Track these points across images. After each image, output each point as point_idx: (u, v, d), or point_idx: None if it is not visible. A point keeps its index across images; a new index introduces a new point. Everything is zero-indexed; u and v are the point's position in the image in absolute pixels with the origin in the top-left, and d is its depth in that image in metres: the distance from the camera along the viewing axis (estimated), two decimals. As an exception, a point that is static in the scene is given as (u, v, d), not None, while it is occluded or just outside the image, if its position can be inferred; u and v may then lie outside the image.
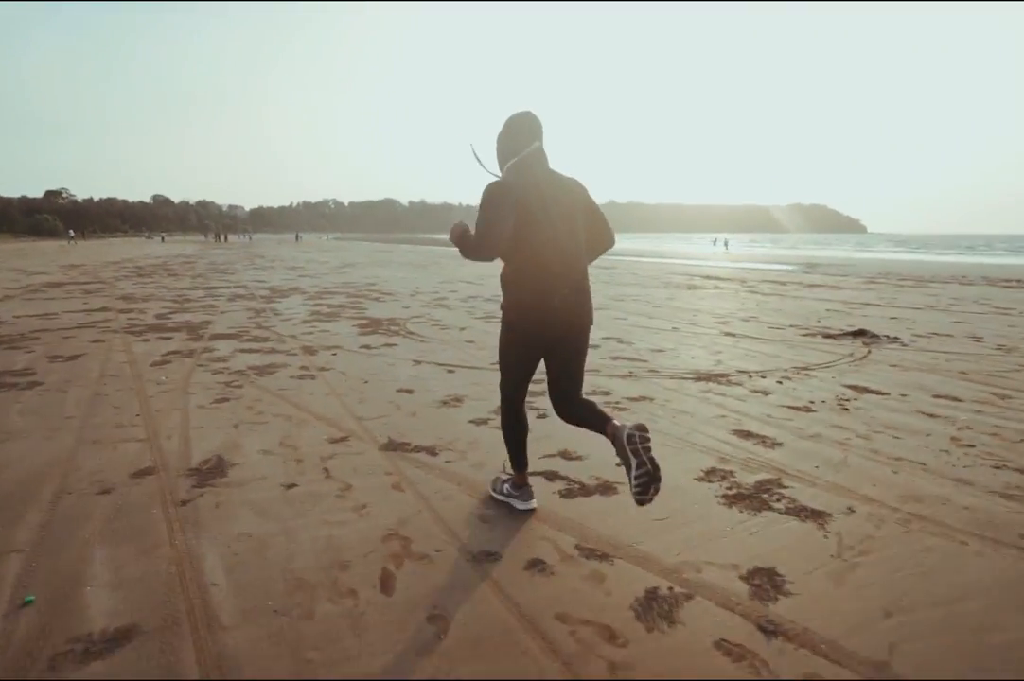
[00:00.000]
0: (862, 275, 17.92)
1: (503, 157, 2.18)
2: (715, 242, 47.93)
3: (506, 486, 2.39)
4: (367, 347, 5.76)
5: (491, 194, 2.03)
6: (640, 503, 1.89)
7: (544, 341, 2.13)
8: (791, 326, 7.33)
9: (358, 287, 12.04)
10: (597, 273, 16.28)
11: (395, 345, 5.88)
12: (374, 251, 35.72)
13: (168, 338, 6.14)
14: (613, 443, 1.96)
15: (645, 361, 5.23)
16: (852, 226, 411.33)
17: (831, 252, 45.19)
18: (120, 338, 6.13)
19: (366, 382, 4.42)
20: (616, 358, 5.33)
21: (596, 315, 2.30)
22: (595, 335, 3.81)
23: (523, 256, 2.06)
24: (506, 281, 2.15)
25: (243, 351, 5.49)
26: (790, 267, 23.81)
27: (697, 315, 8.35)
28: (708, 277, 16.43)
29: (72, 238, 57.76)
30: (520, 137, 2.12)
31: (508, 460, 2.39)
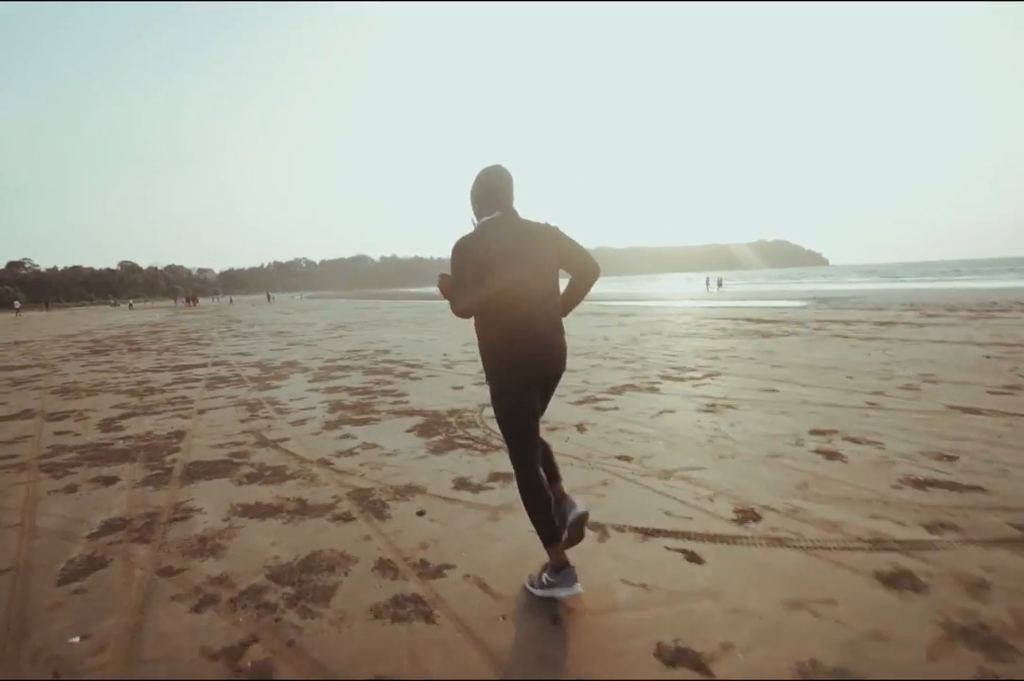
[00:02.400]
0: (898, 307, 16.14)
1: (476, 210, 2.21)
2: (708, 281, 46.71)
3: (544, 576, 2.14)
4: (465, 483, 3.30)
5: (456, 255, 2.08)
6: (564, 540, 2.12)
7: (535, 383, 2.12)
8: (1010, 388, 5.09)
9: (370, 357, 9.57)
10: (621, 328, 14.09)
11: (505, 476, 3.41)
12: (358, 309, 33.33)
13: (110, 480, 3.60)
14: (557, 503, 2.16)
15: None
16: (814, 259, 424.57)
17: (818, 286, 44.20)
18: (23, 487, 3.55)
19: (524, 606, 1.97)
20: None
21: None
22: None
23: (490, 311, 2.08)
24: (483, 340, 2.15)
25: (247, 512, 3.01)
26: (802, 303, 22.34)
27: (853, 381, 6.05)
28: (751, 319, 14.38)
29: (18, 310, 53.85)
30: (490, 192, 2.15)
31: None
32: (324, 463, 3.78)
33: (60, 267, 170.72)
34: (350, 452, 4.02)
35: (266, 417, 5.29)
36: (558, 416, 4.90)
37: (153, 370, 9.05)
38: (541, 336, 2.08)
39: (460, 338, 12.27)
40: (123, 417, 5.54)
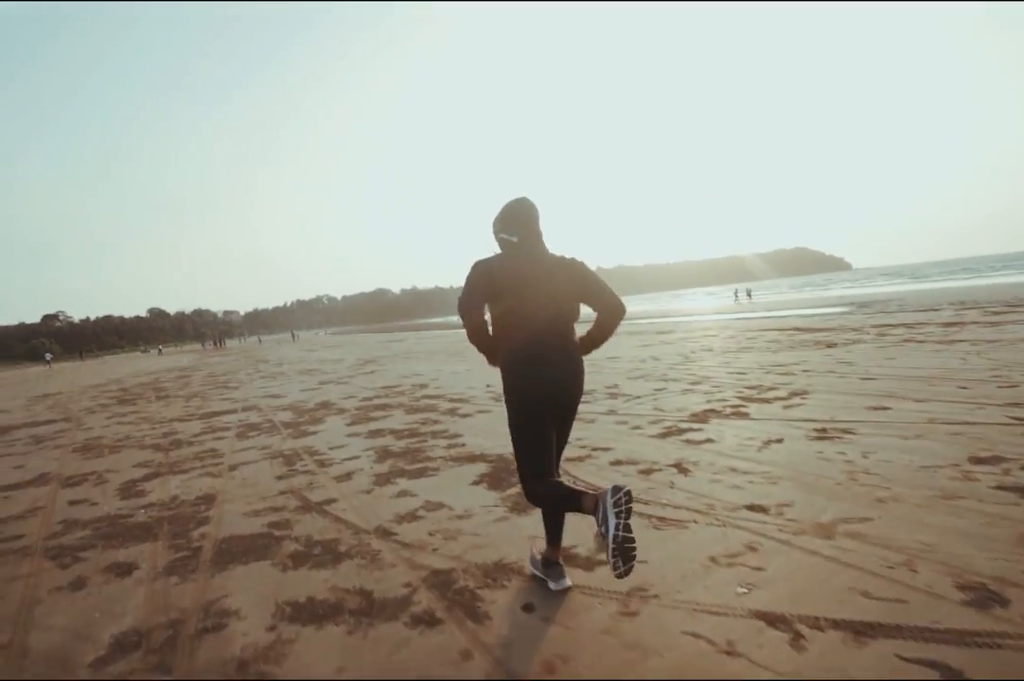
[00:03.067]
0: (949, 307, 15.09)
1: (500, 239, 2.26)
2: (737, 293, 45.63)
3: (540, 565, 2.37)
4: (572, 557, 2.56)
5: (468, 275, 2.17)
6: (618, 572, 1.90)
7: (544, 404, 2.14)
8: None
9: (408, 393, 8.90)
10: (666, 346, 13.29)
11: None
12: (384, 342, 32.95)
13: (126, 569, 2.92)
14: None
15: None
16: (837, 265, 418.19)
17: (849, 291, 42.79)
18: (22, 583, 2.88)
19: None
20: None
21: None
22: None
23: (500, 329, 2.17)
24: (498, 349, 2.21)
25: (298, 615, 2.30)
26: (843, 309, 21.38)
27: (970, 391, 5.21)
28: (800, 329, 13.49)
29: (49, 362, 54.25)
30: (512, 222, 2.22)
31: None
32: (384, 533, 3.06)
33: (92, 317, 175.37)
34: (413, 516, 3.30)
35: (306, 471, 4.61)
36: (646, 454, 4.15)
37: (180, 419, 8.49)
38: (547, 359, 2.11)
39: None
40: (146, 478, 4.91)
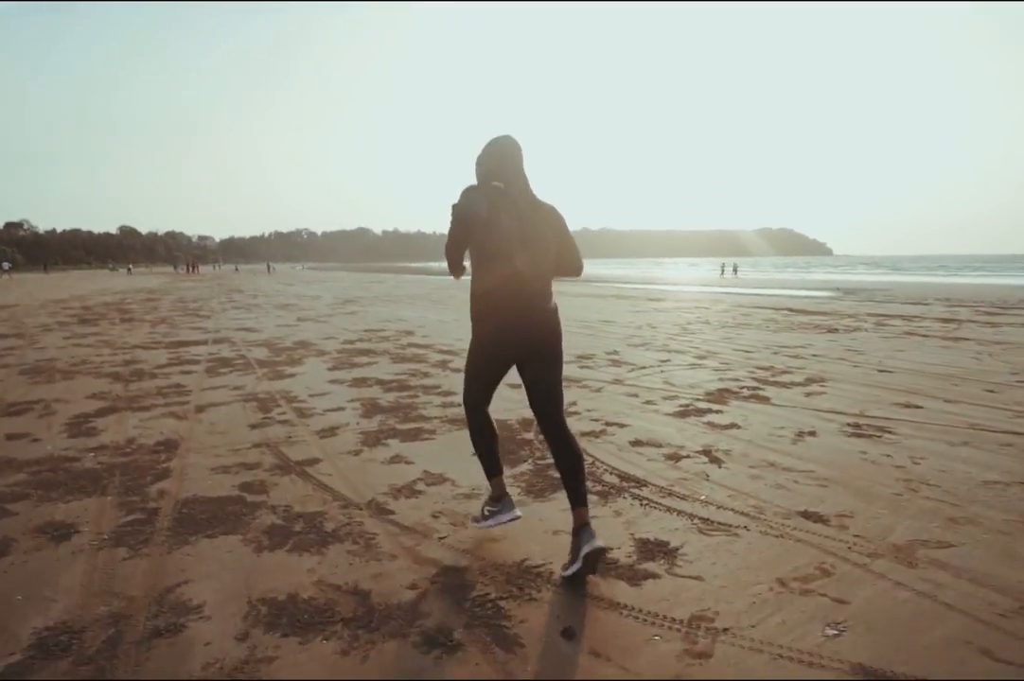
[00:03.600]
0: (936, 302, 14.93)
1: (481, 180, 2.17)
2: (723, 267, 45.30)
3: (485, 508, 2.30)
4: (614, 564, 2.14)
5: (453, 213, 2.05)
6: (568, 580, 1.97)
7: (508, 350, 2.15)
8: None
9: (393, 339, 8.36)
10: (659, 314, 12.89)
11: (667, 553, 2.27)
12: (364, 282, 32.04)
13: (63, 533, 2.41)
14: (575, 533, 2.01)
15: None
16: (818, 249, 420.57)
17: (832, 276, 42.68)
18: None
19: None
20: None
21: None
22: None
23: (481, 269, 2.10)
24: (471, 293, 2.16)
25: (276, 619, 1.85)
26: (830, 294, 21.23)
27: (1001, 396, 4.91)
28: (794, 310, 13.20)
29: (7, 271, 51.38)
30: (496, 161, 2.13)
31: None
32: (379, 510, 2.60)
33: (59, 230, 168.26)
34: (411, 489, 2.84)
35: (283, 420, 4.11)
36: (667, 436, 3.74)
37: (145, 347, 7.84)
38: (521, 304, 2.09)
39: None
40: (100, 413, 4.35)
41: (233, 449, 3.45)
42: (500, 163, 2.13)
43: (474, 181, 2.20)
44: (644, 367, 6.14)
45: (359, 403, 4.59)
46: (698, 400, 4.70)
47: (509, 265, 2.05)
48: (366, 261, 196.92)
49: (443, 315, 11.87)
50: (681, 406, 4.50)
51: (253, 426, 3.96)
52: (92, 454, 3.36)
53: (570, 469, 2.12)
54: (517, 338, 2.11)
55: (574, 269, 2.30)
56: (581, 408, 4.46)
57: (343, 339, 8.41)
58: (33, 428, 3.94)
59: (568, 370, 5.06)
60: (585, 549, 1.93)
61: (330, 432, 3.81)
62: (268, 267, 73.39)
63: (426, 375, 5.72)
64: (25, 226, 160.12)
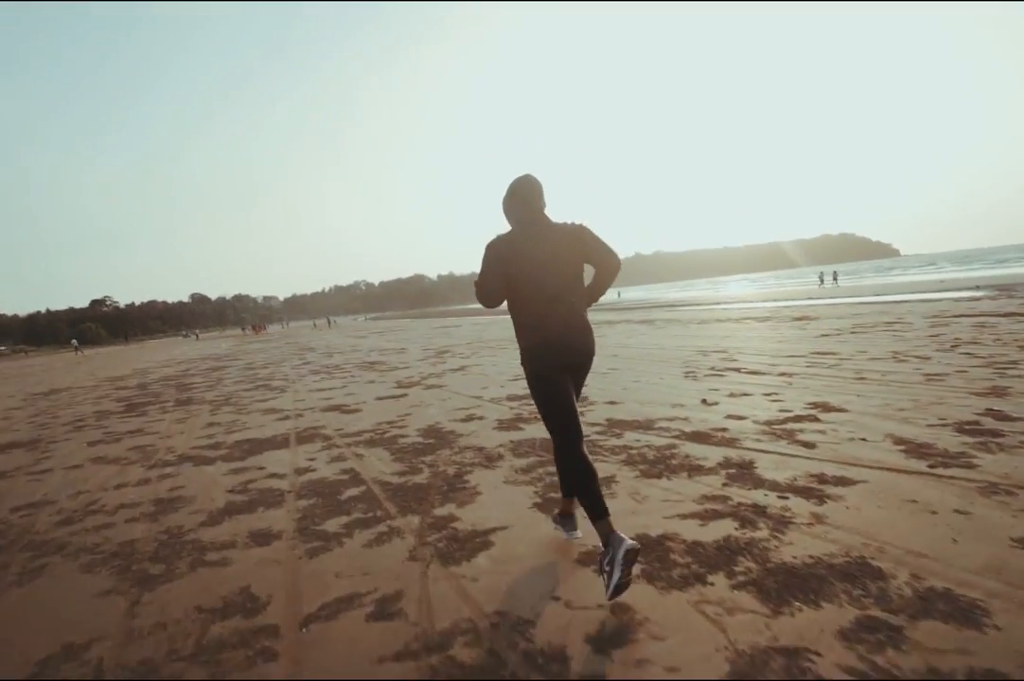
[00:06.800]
0: None
1: (507, 217, 2.46)
2: (822, 276, 40.80)
3: (556, 516, 2.63)
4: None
5: (485, 254, 2.33)
6: (610, 598, 1.96)
7: (559, 365, 2.30)
8: None
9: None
10: (864, 336, 9.29)
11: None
12: (439, 328, 29.53)
13: None
14: (605, 543, 2.04)
15: None
16: (884, 251, 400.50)
17: (937, 275, 37.34)
18: None
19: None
20: None
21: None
22: None
23: (515, 303, 2.35)
24: (514, 327, 2.40)
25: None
26: (975, 293, 17.09)
27: None
28: (978, 314, 9.31)
29: (77, 349, 51.49)
30: (518, 200, 2.38)
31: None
32: None
33: (137, 302, 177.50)
34: None
35: None
36: None
37: (197, 457, 4.99)
38: (557, 325, 2.27)
39: (638, 356, 7.84)
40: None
41: None
42: (523, 201, 2.37)
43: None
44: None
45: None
46: None
47: (541, 295, 2.27)
48: (424, 306, 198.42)
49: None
50: None
51: None
52: None
53: (592, 476, 2.23)
54: (559, 355, 2.29)
55: (612, 267, 2.42)
56: None
57: (494, 418, 5.34)
58: None
59: None
60: (620, 551, 1.94)
61: None
62: (328, 321, 72.92)
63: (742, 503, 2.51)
64: (108, 302, 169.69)
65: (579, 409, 2.35)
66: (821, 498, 2.79)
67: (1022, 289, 16.93)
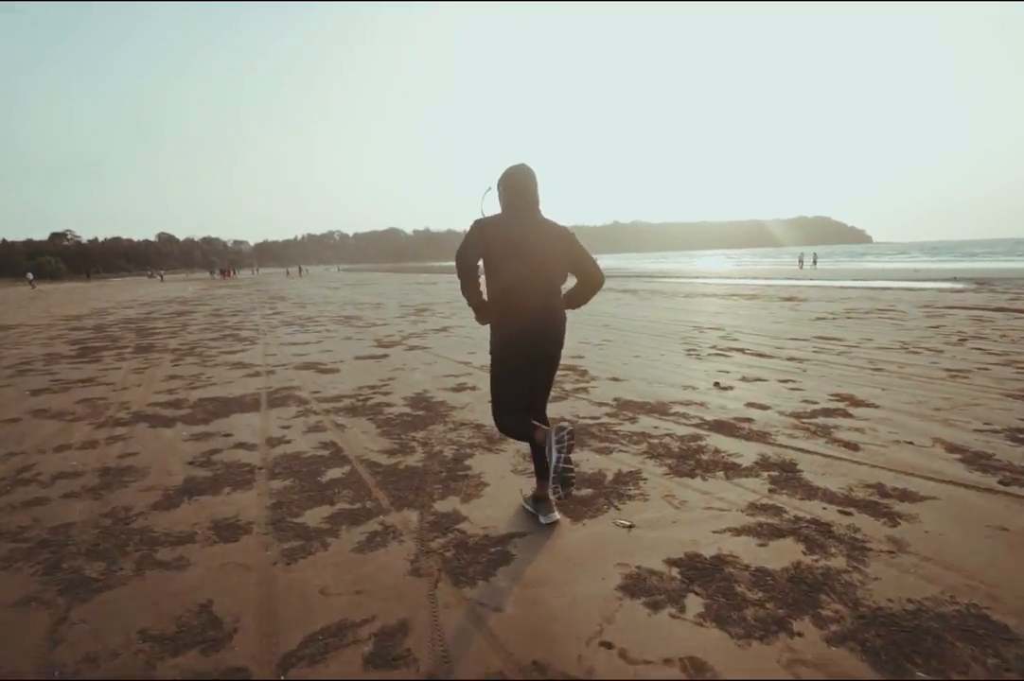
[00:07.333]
0: None
1: (501, 202, 2.42)
2: (802, 258, 40.76)
3: (529, 499, 2.56)
4: None
5: (469, 229, 2.32)
6: (558, 496, 2.13)
7: (525, 351, 2.30)
8: None
9: (588, 387, 4.74)
10: (844, 321, 9.07)
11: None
12: (414, 283, 28.75)
13: None
14: (542, 442, 2.20)
15: None
16: (857, 237, 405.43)
17: (911, 265, 37.65)
18: None
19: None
20: None
21: None
22: None
23: (493, 284, 2.33)
24: (489, 304, 2.37)
25: None
26: (954, 284, 17.19)
27: None
28: (997, 310, 9.18)
29: (31, 282, 50.04)
30: (511, 190, 2.37)
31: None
32: None
33: (100, 238, 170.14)
34: None
35: None
36: None
37: (154, 416, 4.42)
38: (536, 325, 2.29)
39: (624, 329, 7.44)
40: None
41: None
42: (517, 193, 2.35)
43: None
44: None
45: None
46: None
47: (510, 277, 2.26)
48: (398, 261, 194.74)
49: (587, 334, 8.24)
50: None
51: None
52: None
53: (530, 445, 2.49)
54: (528, 334, 2.28)
55: (596, 282, 2.48)
56: None
57: (488, 390, 4.85)
58: None
59: None
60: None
61: None
62: (300, 270, 70.57)
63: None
64: (69, 236, 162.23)
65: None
66: (891, 517, 2.40)
67: (1000, 283, 16.97)
